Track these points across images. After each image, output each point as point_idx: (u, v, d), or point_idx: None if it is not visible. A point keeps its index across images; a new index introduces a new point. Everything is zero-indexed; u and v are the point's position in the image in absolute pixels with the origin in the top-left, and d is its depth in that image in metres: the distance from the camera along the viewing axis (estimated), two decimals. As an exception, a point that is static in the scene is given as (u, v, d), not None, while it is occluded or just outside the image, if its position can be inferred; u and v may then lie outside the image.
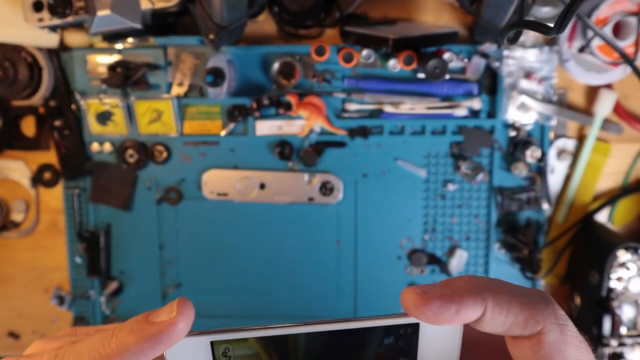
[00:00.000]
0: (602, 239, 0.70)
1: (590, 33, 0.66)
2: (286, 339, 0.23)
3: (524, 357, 0.22)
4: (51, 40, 0.68)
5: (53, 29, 0.63)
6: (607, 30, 0.65)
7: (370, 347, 0.23)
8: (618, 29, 0.67)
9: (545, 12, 0.66)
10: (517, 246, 0.72)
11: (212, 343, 0.24)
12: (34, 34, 0.66)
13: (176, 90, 0.70)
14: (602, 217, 0.74)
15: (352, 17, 0.70)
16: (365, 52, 0.67)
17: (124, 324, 0.23)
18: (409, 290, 0.22)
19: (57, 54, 0.71)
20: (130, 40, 0.67)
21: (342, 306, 0.75)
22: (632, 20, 0.65)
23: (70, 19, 0.58)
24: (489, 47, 0.68)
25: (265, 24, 0.72)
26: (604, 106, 0.70)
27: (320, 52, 0.67)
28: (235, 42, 0.70)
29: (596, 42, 0.66)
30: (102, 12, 0.55)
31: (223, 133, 0.71)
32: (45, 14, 0.59)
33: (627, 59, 0.62)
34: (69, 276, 0.75)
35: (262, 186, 0.72)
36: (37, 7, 0.59)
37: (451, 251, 0.74)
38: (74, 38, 0.69)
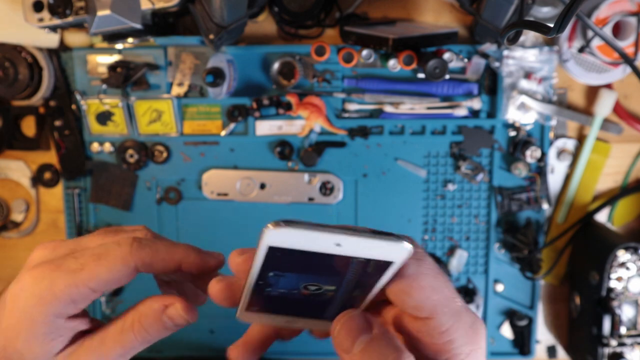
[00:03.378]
0: (602, 239, 0.70)
1: (590, 33, 0.66)
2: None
3: (393, 293, 0.28)
4: (51, 40, 0.68)
5: (53, 29, 0.63)
6: (607, 30, 0.65)
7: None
8: (618, 29, 0.67)
9: (545, 12, 0.66)
10: (517, 246, 0.72)
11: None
12: (34, 34, 0.66)
13: (176, 90, 0.70)
14: (602, 217, 0.74)
15: (352, 17, 0.70)
16: (365, 52, 0.67)
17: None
18: None
19: (57, 54, 0.71)
20: (130, 40, 0.67)
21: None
22: (632, 20, 0.65)
23: (70, 19, 0.58)
24: (489, 47, 0.68)
25: (265, 24, 0.72)
26: (604, 106, 0.70)
27: (320, 52, 0.67)
28: (235, 42, 0.70)
29: (596, 42, 0.66)
30: (102, 12, 0.55)
31: (223, 133, 0.71)
32: (45, 14, 0.59)
33: (627, 59, 0.61)
34: (69, 276, 0.75)
35: (262, 186, 0.72)
36: (38, 7, 0.59)
37: (451, 251, 0.74)
38: (74, 38, 0.69)
